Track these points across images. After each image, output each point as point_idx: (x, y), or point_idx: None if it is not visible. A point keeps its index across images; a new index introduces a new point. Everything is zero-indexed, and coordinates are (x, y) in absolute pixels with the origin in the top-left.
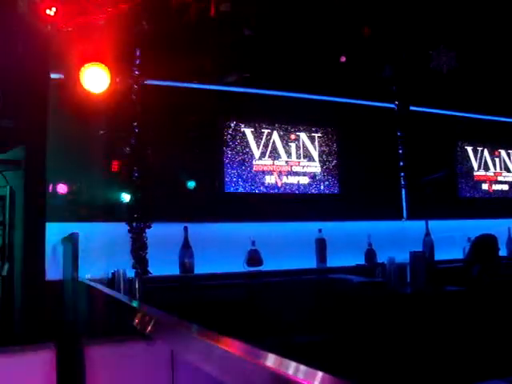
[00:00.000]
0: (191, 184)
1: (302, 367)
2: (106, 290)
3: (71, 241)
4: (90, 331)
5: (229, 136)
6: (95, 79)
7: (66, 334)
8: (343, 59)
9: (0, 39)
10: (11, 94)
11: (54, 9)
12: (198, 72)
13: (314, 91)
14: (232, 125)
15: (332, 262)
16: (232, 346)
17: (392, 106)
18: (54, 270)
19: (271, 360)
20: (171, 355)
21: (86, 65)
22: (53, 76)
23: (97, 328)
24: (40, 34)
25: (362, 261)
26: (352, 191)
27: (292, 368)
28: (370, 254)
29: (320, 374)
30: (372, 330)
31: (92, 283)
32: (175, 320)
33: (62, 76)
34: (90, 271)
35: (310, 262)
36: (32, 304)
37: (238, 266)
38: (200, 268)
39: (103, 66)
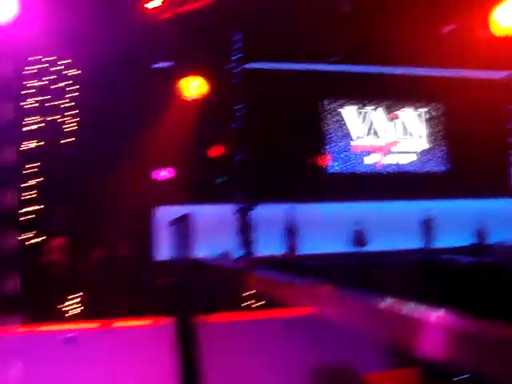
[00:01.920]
0: (293, 166)
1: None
2: (219, 266)
3: (184, 221)
4: (204, 307)
5: (330, 116)
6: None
7: (182, 309)
8: (446, 29)
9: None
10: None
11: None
12: (301, 52)
13: (419, 65)
14: (333, 105)
15: (439, 241)
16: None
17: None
18: (162, 251)
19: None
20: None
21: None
22: (157, 65)
23: (210, 304)
24: (144, 24)
25: (470, 241)
26: (460, 169)
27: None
28: (480, 234)
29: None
30: (482, 312)
31: (205, 261)
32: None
33: (166, 64)
34: (198, 252)
35: (416, 242)
36: (148, 281)
37: (342, 246)
38: (304, 248)
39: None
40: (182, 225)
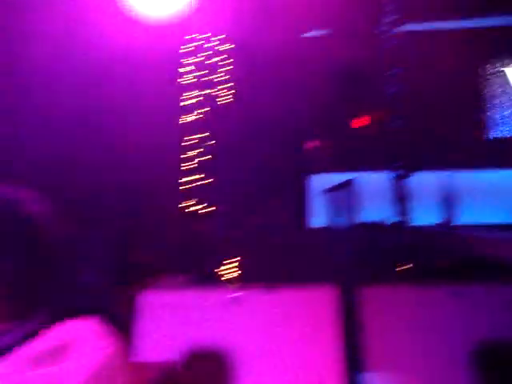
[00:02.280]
0: (451, 131)
1: None
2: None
3: (345, 187)
4: (362, 274)
5: (487, 78)
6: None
7: (343, 275)
8: None
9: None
10: None
11: None
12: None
13: None
14: (497, 66)
15: None
16: None
17: None
18: (318, 218)
19: None
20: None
21: None
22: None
23: (368, 271)
24: None
25: None
26: None
27: None
28: None
29: None
30: None
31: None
32: None
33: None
34: (361, 218)
35: None
36: (304, 247)
37: (506, 217)
38: (462, 217)
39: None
40: (344, 191)
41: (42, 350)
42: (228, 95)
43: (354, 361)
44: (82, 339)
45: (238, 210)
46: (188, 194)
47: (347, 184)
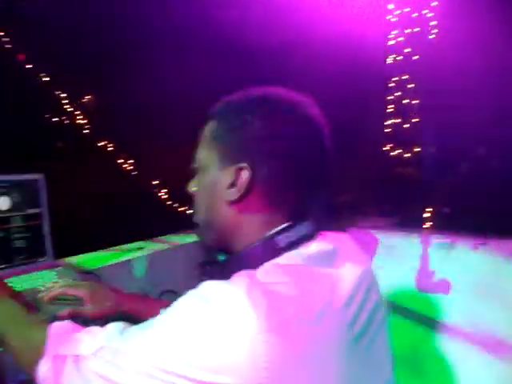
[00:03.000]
0: None
1: None
2: None
3: None
4: None
5: None
6: None
7: None
8: None
9: None
10: None
11: None
12: None
13: None
14: None
15: None
16: None
17: None
18: None
19: None
20: None
21: None
22: None
23: None
24: None
25: None
26: None
27: None
28: None
29: None
30: None
31: None
32: None
33: None
34: None
35: None
36: None
37: None
38: None
39: None
40: None
41: (315, 251)
42: (432, 39)
43: None
44: (346, 248)
45: (446, 153)
46: (392, 137)
47: None
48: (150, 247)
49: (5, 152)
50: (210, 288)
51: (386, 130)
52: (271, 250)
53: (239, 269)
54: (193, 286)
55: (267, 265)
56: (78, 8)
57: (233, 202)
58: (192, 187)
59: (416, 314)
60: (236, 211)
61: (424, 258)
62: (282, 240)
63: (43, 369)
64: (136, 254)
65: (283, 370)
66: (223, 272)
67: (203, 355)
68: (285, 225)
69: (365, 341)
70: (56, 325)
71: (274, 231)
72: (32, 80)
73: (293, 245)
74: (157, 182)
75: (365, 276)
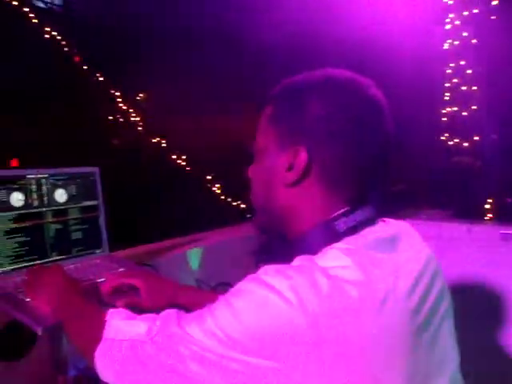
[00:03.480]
0: None
1: None
2: None
3: None
4: None
5: None
6: None
7: None
8: None
9: None
10: None
11: None
12: None
13: None
14: None
15: None
16: None
17: None
18: None
19: None
20: None
21: None
22: None
23: None
24: None
25: None
26: None
27: None
28: None
29: None
30: None
31: None
32: None
33: None
34: None
35: None
36: None
37: None
38: None
39: None
40: None
41: (377, 237)
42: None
43: None
44: (408, 235)
45: (509, 141)
46: (449, 126)
47: None
48: (205, 240)
49: (62, 149)
50: (269, 272)
51: (443, 119)
52: (331, 234)
53: (298, 253)
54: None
55: (328, 249)
56: (131, 9)
57: (290, 185)
58: (250, 172)
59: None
60: (294, 194)
61: (485, 250)
62: (342, 224)
63: (99, 354)
64: (191, 246)
65: (344, 356)
66: (281, 257)
67: (261, 340)
68: (344, 209)
69: (429, 331)
70: (112, 311)
71: (333, 215)
72: (88, 80)
73: (353, 229)
74: (210, 177)
75: (428, 263)
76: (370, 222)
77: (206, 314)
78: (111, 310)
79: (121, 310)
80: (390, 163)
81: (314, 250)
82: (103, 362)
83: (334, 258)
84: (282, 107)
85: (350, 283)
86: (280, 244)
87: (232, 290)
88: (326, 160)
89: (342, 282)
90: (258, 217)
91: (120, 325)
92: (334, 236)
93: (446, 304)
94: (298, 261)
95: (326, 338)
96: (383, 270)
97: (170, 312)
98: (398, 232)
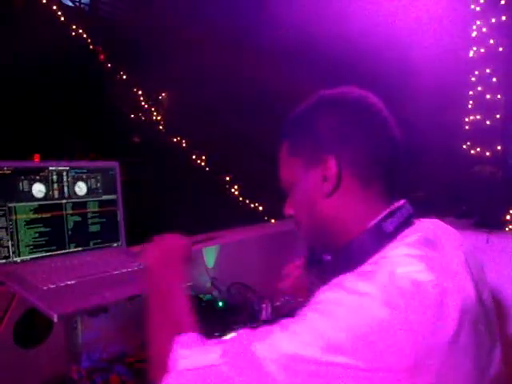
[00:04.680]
0: None
1: None
2: None
3: None
4: None
5: None
6: None
7: None
8: None
9: None
10: None
11: None
12: None
13: None
14: None
15: None
16: None
17: None
18: None
19: None
20: None
21: None
22: None
23: None
24: None
25: None
26: None
27: None
28: None
29: None
30: None
31: None
32: None
33: None
34: None
35: None
36: None
37: None
38: None
39: None
40: None
41: (421, 237)
42: None
43: None
44: (445, 232)
45: None
46: (472, 135)
47: None
48: (221, 238)
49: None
50: (351, 279)
51: (466, 127)
52: (380, 236)
53: (351, 260)
54: (263, 279)
55: (393, 254)
56: (156, 9)
57: (330, 194)
58: (289, 208)
59: None
60: (335, 201)
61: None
62: (390, 225)
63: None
64: (207, 244)
65: (427, 358)
66: (333, 268)
67: (361, 341)
68: (388, 210)
69: (481, 324)
70: (181, 338)
71: (380, 217)
72: (112, 78)
73: (397, 231)
74: (228, 178)
75: (470, 258)
76: (409, 221)
77: (292, 327)
78: (180, 337)
79: (190, 335)
80: (405, 168)
81: (365, 256)
82: None
83: (407, 264)
84: (296, 136)
85: (427, 284)
86: (333, 255)
87: (314, 302)
88: (351, 160)
89: (420, 283)
90: (310, 242)
91: (190, 354)
92: (381, 240)
93: (491, 299)
94: (370, 267)
95: (416, 332)
96: (441, 269)
97: (243, 332)
98: (436, 230)
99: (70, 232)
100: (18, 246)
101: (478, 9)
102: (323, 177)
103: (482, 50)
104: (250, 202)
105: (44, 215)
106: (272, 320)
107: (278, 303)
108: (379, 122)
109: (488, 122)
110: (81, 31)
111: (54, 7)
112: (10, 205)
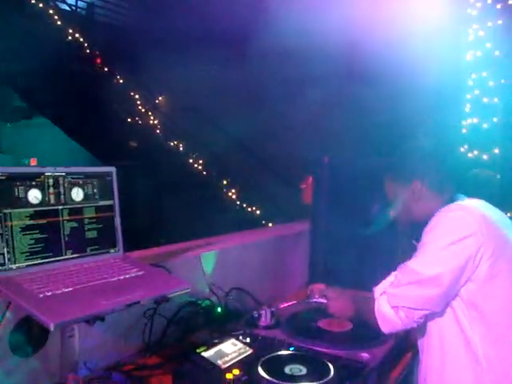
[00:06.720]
0: None
1: None
2: None
3: None
4: None
5: None
6: None
7: None
8: None
9: None
10: None
11: None
12: None
13: None
14: None
15: None
16: None
17: None
18: None
19: None
20: None
21: None
22: None
23: None
24: None
25: None
26: None
27: None
28: None
29: None
30: None
31: None
32: None
33: None
34: None
35: None
36: None
37: None
38: None
39: None
40: None
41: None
42: None
43: None
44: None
45: None
46: (469, 138)
47: None
48: (219, 243)
49: (80, 151)
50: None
51: (462, 130)
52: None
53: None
54: (262, 284)
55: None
56: (153, 12)
57: (418, 200)
58: (393, 212)
59: None
60: (421, 204)
61: None
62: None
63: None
64: (205, 249)
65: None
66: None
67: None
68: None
69: None
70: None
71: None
72: (109, 82)
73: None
74: (225, 182)
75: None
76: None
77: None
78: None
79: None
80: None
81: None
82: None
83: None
84: (395, 169)
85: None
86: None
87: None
88: (428, 181)
89: (484, 214)
90: (403, 225)
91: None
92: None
93: None
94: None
95: (494, 247)
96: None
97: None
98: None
99: (66, 238)
100: (14, 252)
101: (474, 13)
102: (413, 191)
103: (479, 54)
104: (248, 206)
105: (40, 221)
106: (272, 325)
107: (274, 309)
108: (442, 158)
109: (485, 126)
110: (77, 35)
111: (51, 11)
112: (6, 211)
